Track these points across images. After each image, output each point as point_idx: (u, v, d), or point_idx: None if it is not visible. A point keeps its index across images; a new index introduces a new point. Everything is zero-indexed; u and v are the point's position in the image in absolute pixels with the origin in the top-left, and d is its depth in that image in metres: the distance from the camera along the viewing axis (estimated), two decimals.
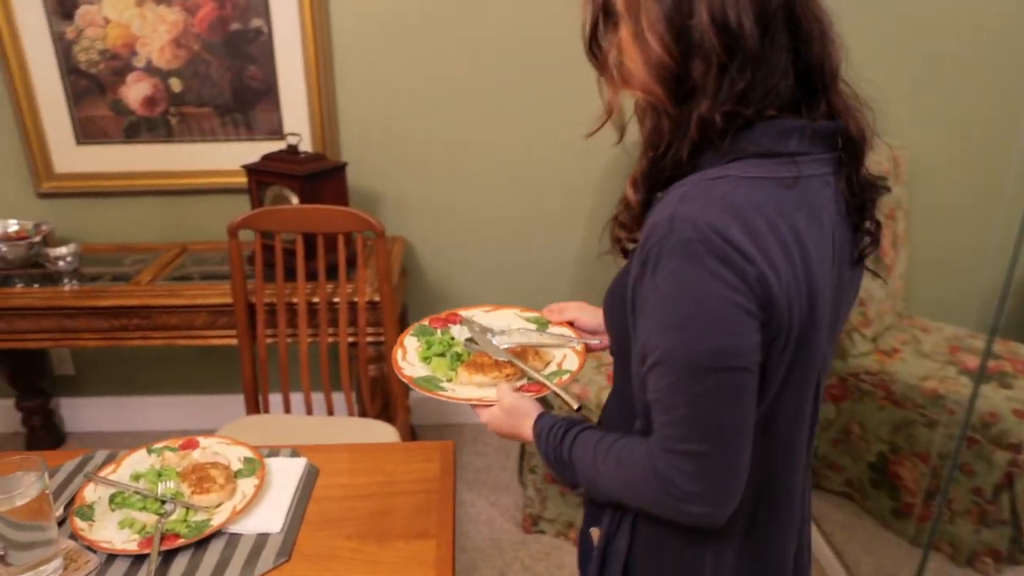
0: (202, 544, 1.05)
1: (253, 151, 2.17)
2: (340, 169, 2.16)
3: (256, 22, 2.18)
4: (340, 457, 1.28)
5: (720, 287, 0.68)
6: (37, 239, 2.20)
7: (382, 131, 2.35)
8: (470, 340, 1.09)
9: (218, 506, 1.10)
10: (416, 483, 1.20)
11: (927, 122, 2.28)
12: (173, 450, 1.23)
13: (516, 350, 1.06)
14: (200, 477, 1.12)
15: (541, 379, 0.99)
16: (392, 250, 2.28)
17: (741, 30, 0.69)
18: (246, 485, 1.14)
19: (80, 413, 2.73)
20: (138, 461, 1.20)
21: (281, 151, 2.11)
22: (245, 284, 1.89)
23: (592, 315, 1.13)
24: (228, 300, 1.94)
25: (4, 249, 2.14)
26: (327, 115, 2.28)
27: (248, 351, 1.93)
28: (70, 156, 2.33)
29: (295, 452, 1.26)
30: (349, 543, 1.07)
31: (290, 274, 1.88)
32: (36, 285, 2.09)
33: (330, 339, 1.93)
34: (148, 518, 1.08)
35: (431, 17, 2.22)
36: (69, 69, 2.22)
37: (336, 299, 1.94)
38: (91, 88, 2.25)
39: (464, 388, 1.02)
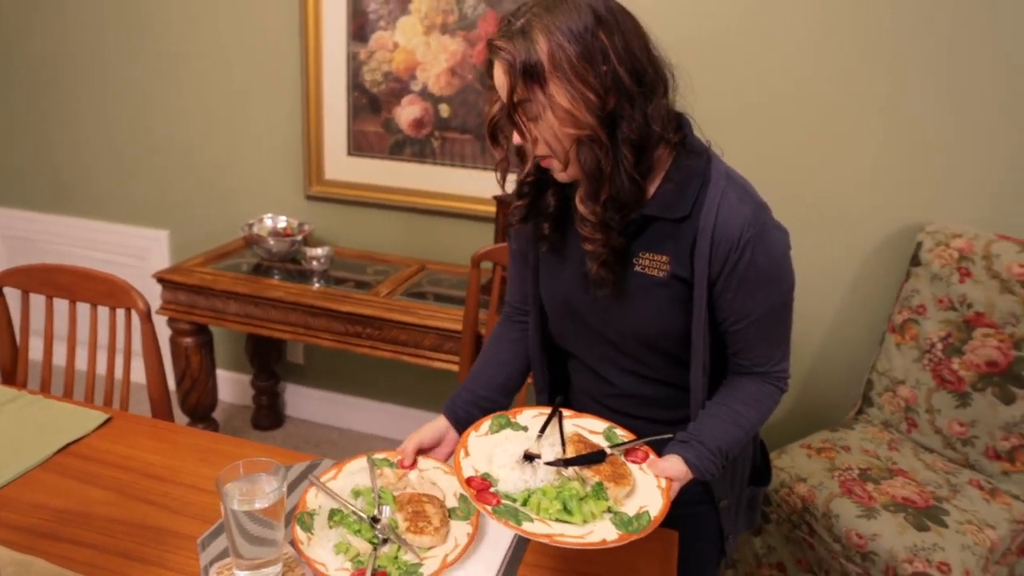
0: None
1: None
2: None
3: None
4: None
5: (786, 239, 1.03)
6: (299, 238, 2.38)
7: None
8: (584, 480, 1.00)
9: (429, 549, 1.05)
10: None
11: None
12: (391, 465, 1.20)
13: (577, 443, 1.05)
14: (416, 512, 1.08)
15: (635, 443, 1.07)
16: None
17: (642, 67, 0.94)
18: (459, 530, 1.08)
19: (301, 401, 2.91)
20: (358, 471, 1.18)
21: None
22: (477, 315, 1.88)
23: (428, 430, 1.22)
24: (458, 326, 1.95)
25: (271, 243, 2.33)
26: None
27: None
28: (340, 165, 2.51)
29: None
30: None
31: None
32: (290, 280, 2.25)
33: None
34: (362, 545, 1.04)
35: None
36: (354, 86, 2.40)
37: None
38: (369, 105, 2.41)
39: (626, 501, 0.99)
